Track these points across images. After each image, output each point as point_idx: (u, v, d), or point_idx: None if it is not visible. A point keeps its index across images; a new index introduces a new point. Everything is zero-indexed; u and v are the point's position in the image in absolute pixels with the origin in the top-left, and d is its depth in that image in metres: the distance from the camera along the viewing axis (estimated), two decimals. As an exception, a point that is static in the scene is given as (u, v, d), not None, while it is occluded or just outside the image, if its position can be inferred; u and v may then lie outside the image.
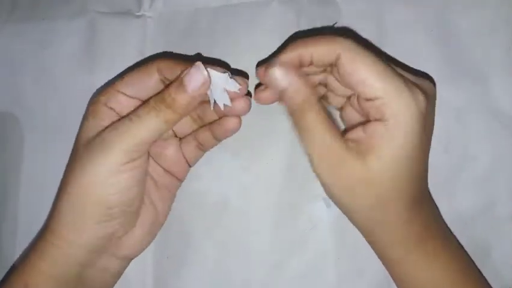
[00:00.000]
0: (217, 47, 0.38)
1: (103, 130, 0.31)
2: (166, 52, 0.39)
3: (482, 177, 0.35)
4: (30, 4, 0.40)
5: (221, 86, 0.30)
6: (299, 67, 0.30)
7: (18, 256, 0.37)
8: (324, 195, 0.34)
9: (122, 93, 0.32)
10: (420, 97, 0.27)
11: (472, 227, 0.35)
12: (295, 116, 0.29)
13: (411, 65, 0.36)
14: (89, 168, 0.30)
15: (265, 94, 0.32)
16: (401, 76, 0.28)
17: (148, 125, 0.29)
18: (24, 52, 0.40)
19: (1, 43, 0.40)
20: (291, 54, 0.29)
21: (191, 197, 0.37)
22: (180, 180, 0.35)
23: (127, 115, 0.30)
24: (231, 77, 0.31)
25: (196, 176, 0.37)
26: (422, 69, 0.36)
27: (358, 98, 0.29)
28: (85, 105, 0.38)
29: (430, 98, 0.28)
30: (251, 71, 0.37)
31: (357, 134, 0.29)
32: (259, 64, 0.36)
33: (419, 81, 0.29)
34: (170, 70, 0.31)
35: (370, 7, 0.37)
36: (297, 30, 0.38)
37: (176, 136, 0.35)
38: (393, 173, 0.27)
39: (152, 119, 0.29)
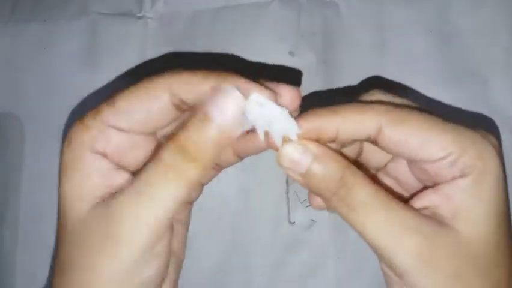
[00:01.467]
0: (218, 47, 0.38)
1: (98, 204, 0.21)
2: (170, 54, 0.38)
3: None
4: (31, 5, 0.41)
5: (274, 123, 0.22)
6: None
7: (19, 255, 0.37)
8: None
9: (115, 127, 0.23)
10: (492, 138, 0.23)
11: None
12: (336, 198, 0.22)
13: (410, 66, 0.36)
14: (95, 266, 0.21)
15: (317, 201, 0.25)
16: (455, 123, 0.23)
17: (166, 198, 0.21)
18: (25, 53, 0.40)
19: (2, 44, 0.40)
20: (310, 125, 0.22)
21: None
22: (192, 204, 0.29)
23: (133, 183, 0.21)
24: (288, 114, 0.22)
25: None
26: (421, 70, 0.36)
27: (411, 163, 0.24)
28: (86, 106, 0.38)
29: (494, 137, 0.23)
30: (251, 71, 0.37)
31: (428, 199, 0.23)
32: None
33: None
34: (188, 88, 0.22)
35: (370, 7, 0.37)
36: (297, 30, 0.38)
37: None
38: (494, 235, 0.22)
39: (171, 185, 0.20)
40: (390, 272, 0.23)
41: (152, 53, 0.39)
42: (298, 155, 0.22)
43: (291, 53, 0.37)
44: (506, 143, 0.35)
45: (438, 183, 0.23)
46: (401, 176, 0.26)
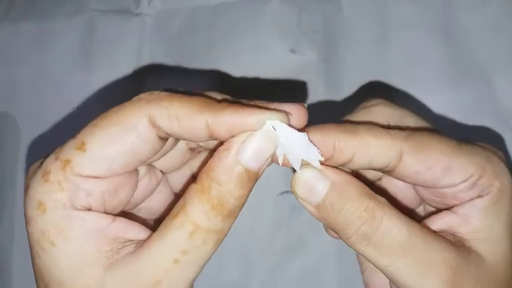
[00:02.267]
0: (216, 45, 0.38)
1: (114, 265, 0.19)
2: (155, 65, 0.37)
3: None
4: (27, 3, 0.40)
5: (295, 149, 0.20)
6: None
7: (15, 257, 0.37)
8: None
9: (92, 176, 0.19)
10: (499, 153, 0.22)
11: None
12: (360, 237, 0.20)
13: (413, 63, 0.35)
14: None
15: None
16: (467, 142, 0.22)
17: (200, 263, 0.19)
18: (21, 51, 0.40)
19: (-2, 41, 0.40)
20: (323, 144, 0.20)
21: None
22: None
23: (146, 249, 0.19)
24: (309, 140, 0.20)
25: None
26: (424, 67, 0.36)
27: (428, 188, 0.22)
28: (83, 104, 0.38)
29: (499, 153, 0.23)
30: (251, 69, 0.37)
31: (445, 222, 0.22)
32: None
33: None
34: (177, 123, 0.19)
35: (372, 5, 0.37)
36: (298, 27, 0.37)
37: (162, 173, 0.24)
38: (509, 252, 0.21)
39: (201, 250, 0.19)
40: None
41: (149, 51, 0.38)
42: (314, 182, 0.19)
43: (292, 51, 0.37)
44: (509, 142, 0.35)
45: (453, 205, 0.22)
46: (398, 192, 0.24)
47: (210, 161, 0.18)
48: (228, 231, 0.19)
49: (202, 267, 0.19)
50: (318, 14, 0.37)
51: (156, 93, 0.19)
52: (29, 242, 0.19)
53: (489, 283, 0.20)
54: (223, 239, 0.19)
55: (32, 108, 0.39)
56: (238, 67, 0.37)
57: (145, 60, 0.38)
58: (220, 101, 0.19)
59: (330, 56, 0.37)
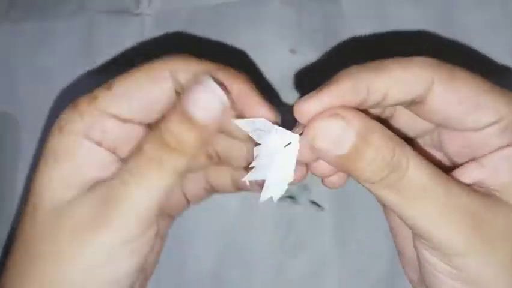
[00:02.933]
0: (217, 45, 0.38)
1: (87, 193, 0.21)
2: (167, 49, 0.38)
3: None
4: (27, 3, 0.40)
5: (273, 143, 0.20)
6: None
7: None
8: (326, 195, 0.33)
9: (112, 115, 0.21)
10: None
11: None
12: (385, 185, 0.19)
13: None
14: (73, 251, 0.20)
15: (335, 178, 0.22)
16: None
17: (149, 188, 0.20)
18: (21, 51, 0.39)
19: (-2, 42, 0.40)
20: (342, 88, 0.19)
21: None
22: (174, 218, 0.28)
23: (118, 174, 0.21)
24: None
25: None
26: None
27: (451, 133, 0.21)
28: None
29: None
30: (251, 69, 0.36)
31: (473, 174, 0.21)
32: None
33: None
34: (189, 72, 0.21)
35: (372, 5, 0.37)
36: (298, 27, 0.37)
37: None
38: None
39: (154, 175, 0.20)
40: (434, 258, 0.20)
41: (149, 51, 0.38)
42: (340, 132, 0.18)
43: (292, 51, 0.37)
44: None
45: (480, 156, 0.20)
46: (430, 149, 0.23)
47: (169, 111, 0.20)
48: (175, 175, 0.20)
49: (152, 198, 0.20)
50: (318, 14, 0.37)
51: (180, 55, 0.22)
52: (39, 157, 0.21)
53: None
54: (173, 184, 0.20)
55: (32, 108, 0.39)
56: (238, 67, 0.37)
57: (145, 61, 0.38)
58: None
59: (330, 56, 0.37)
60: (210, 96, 0.20)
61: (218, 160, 0.25)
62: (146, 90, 0.21)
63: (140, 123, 0.22)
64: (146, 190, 0.20)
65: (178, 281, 0.36)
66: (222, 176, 0.25)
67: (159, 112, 0.21)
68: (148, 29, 0.39)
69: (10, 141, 0.39)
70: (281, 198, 0.22)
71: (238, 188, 0.25)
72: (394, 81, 0.19)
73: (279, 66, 0.36)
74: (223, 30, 0.38)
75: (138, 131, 0.22)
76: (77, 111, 0.21)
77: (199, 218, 0.36)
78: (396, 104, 0.20)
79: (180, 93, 0.21)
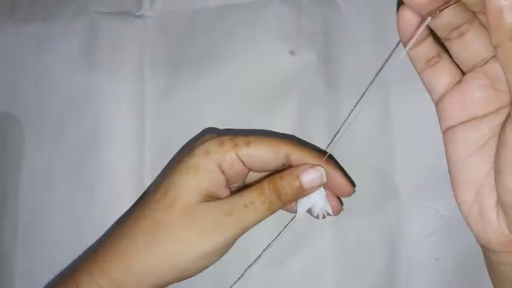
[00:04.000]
0: (217, 46, 0.38)
1: (206, 201, 0.29)
2: (157, 67, 0.38)
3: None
4: (30, 4, 0.40)
5: (316, 200, 0.31)
6: None
7: (18, 256, 0.37)
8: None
9: (241, 160, 0.30)
10: None
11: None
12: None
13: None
14: (183, 242, 0.28)
15: None
16: None
17: (258, 215, 0.29)
18: (24, 52, 0.40)
19: (1, 43, 0.40)
20: None
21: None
22: None
23: (238, 196, 0.29)
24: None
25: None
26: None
27: None
28: (85, 106, 0.38)
29: None
30: (250, 71, 0.37)
31: None
32: None
33: None
34: (300, 159, 0.30)
35: (370, 7, 0.37)
36: (297, 30, 0.37)
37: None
38: None
39: (264, 208, 0.29)
40: None
41: (151, 52, 0.39)
42: None
43: (291, 52, 0.37)
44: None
45: None
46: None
47: (285, 172, 0.30)
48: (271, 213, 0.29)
49: (248, 227, 0.29)
50: (317, 16, 0.37)
51: (296, 143, 0.31)
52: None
53: None
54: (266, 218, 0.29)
55: (34, 108, 0.39)
56: (238, 68, 0.37)
57: (147, 62, 0.38)
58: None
59: (329, 58, 0.37)
60: (317, 174, 0.29)
61: None
62: (268, 157, 0.30)
63: (252, 171, 0.31)
64: (255, 216, 0.29)
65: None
66: None
67: (267, 170, 0.31)
68: (149, 31, 0.39)
69: (13, 141, 0.39)
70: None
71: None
72: None
73: (279, 67, 0.36)
74: (224, 32, 0.38)
75: (244, 172, 0.30)
76: (223, 148, 0.29)
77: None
78: None
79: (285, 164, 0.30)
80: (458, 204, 0.27)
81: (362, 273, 0.35)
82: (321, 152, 0.31)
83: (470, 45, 0.25)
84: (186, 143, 0.37)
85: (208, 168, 0.29)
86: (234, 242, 0.29)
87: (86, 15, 0.40)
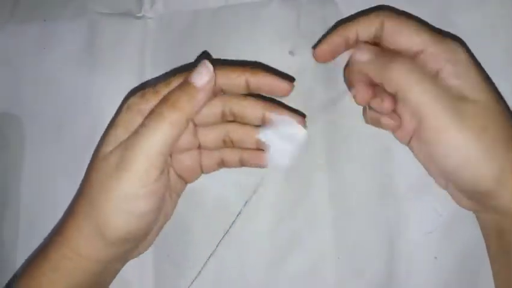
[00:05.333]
0: (217, 47, 0.38)
1: (119, 146, 0.29)
2: (157, 67, 0.38)
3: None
4: (31, 5, 0.41)
5: (282, 134, 0.31)
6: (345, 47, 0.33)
7: (19, 256, 0.37)
8: (326, 193, 0.34)
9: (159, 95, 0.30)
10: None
11: (475, 222, 0.34)
12: (400, 67, 0.29)
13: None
14: (108, 192, 0.29)
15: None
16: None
17: (157, 135, 0.28)
18: (25, 52, 0.40)
19: (2, 43, 0.40)
20: (338, 37, 0.32)
21: (191, 196, 0.37)
22: (188, 183, 0.35)
23: (138, 128, 0.29)
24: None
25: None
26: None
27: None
28: (86, 106, 0.38)
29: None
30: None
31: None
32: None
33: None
34: (225, 78, 0.30)
35: (369, 6, 0.37)
36: (297, 30, 0.37)
37: (199, 147, 0.33)
38: (498, 104, 0.30)
39: (156, 126, 0.28)
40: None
41: (151, 53, 0.39)
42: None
43: (291, 53, 0.37)
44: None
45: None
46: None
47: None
48: (177, 125, 0.29)
49: (160, 144, 0.28)
50: (316, 16, 0.38)
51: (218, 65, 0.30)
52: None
53: (489, 119, 0.29)
54: (174, 128, 0.29)
55: (35, 108, 0.39)
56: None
57: (147, 62, 0.38)
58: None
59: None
60: (204, 70, 0.29)
61: (231, 144, 0.33)
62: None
63: None
64: (151, 137, 0.28)
65: (178, 279, 0.36)
66: (233, 155, 0.33)
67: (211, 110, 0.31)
68: (150, 32, 0.39)
69: (13, 141, 0.39)
70: None
71: (244, 164, 0.33)
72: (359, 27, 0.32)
73: (278, 67, 0.36)
74: (224, 32, 0.38)
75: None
76: (144, 98, 0.30)
77: (199, 216, 0.37)
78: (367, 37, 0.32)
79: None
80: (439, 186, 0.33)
81: (362, 273, 0.35)
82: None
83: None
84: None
85: (128, 121, 0.29)
86: (154, 172, 0.29)
87: (86, 16, 0.40)
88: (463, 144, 0.28)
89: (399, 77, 0.29)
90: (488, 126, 0.28)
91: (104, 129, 0.34)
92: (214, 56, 0.38)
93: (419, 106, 0.29)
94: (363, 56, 0.31)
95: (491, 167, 0.28)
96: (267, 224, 0.36)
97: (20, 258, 0.37)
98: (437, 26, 0.37)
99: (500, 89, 0.36)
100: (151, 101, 0.29)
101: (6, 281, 0.35)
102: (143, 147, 0.28)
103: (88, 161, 0.32)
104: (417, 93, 0.29)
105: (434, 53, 0.30)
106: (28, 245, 0.37)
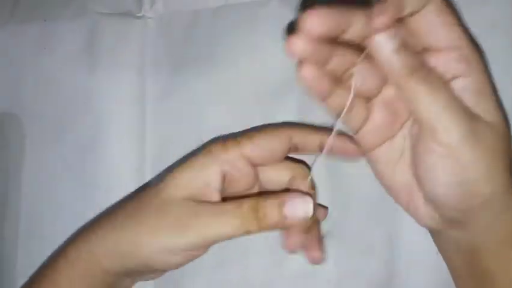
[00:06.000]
0: (217, 47, 0.38)
1: (192, 199, 0.29)
2: (157, 67, 0.38)
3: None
4: (31, 5, 0.41)
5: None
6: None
7: (19, 255, 0.37)
8: (326, 194, 0.34)
9: (246, 157, 0.29)
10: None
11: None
12: (412, 77, 0.25)
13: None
14: (149, 231, 0.28)
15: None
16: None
17: (226, 228, 0.27)
18: (25, 52, 0.40)
19: (2, 43, 0.40)
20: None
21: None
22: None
23: (219, 203, 0.29)
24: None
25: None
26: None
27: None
28: (86, 106, 0.38)
29: None
30: (250, 71, 0.37)
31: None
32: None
33: None
34: (303, 138, 0.30)
35: (370, 7, 0.37)
36: (297, 30, 0.37)
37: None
38: (501, 123, 0.27)
39: (236, 224, 0.27)
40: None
41: (151, 53, 0.39)
42: (386, 40, 0.24)
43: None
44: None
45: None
46: None
47: (270, 196, 0.28)
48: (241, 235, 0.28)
49: (217, 237, 0.28)
50: (317, 16, 0.38)
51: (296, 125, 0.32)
52: None
53: (498, 140, 0.27)
54: (237, 235, 0.28)
55: (35, 108, 0.39)
56: (238, 69, 0.37)
57: (147, 62, 0.38)
58: None
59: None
60: (303, 206, 0.28)
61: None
62: (271, 144, 0.30)
63: (258, 165, 0.30)
64: (224, 228, 0.27)
65: (178, 278, 0.36)
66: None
67: (275, 161, 0.31)
68: (150, 32, 0.39)
69: (13, 141, 0.39)
70: None
71: None
72: None
73: (279, 67, 0.36)
74: (224, 32, 0.38)
75: (250, 172, 0.30)
76: (226, 147, 0.29)
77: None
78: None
79: (292, 148, 0.31)
80: (399, 204, 0.30)
81: (362, 273, 0.35)
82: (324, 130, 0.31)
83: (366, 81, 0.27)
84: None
85: (205, 165, 0.29)
86: (202, 248, 0.29)
87: (87, 16, 0.40)
88: (471, 162, 0.26)
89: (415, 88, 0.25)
90: (496, 149, 0.26)
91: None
92: (214, 55, 0.38)
93: (429, 118, 0.25)
94: (389, 44, 0.24)
95: (487, 186, 0.26)
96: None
97: (20, 258, 0.37)
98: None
99: (501, 89, 0.36)
100: (230, 151, 0.29)
101: (6, 280, 0.35)
102: (208, 231, 0.28)
103: (88, 161, 0.32)
104: (427, 104, 0.25)
105: (460, 58, 0.26)
106: (28, 244, 0.37)
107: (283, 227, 0.28)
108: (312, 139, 0.30)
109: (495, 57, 0.36)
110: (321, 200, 0.36)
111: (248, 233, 0.27)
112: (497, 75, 0.36)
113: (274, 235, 0.35)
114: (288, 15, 0.38)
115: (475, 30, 0.36)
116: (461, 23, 0.27)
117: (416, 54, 0.25)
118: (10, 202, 0.38)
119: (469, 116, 0.26)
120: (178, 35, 0.39)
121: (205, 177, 0.29)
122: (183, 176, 0.29)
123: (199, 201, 0.29)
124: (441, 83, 0.25)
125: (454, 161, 0.26)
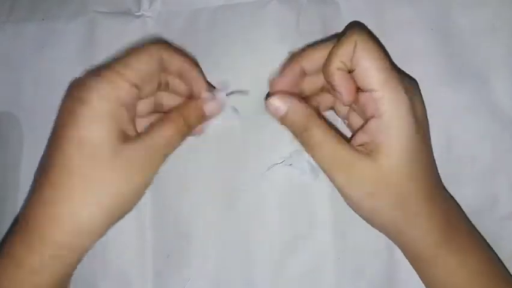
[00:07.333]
0: (216, 46, 0.38)
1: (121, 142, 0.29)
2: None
3: (482, 178, 0.35)
4: (29, 4, 0.40)
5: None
6: (303, 76, 0.33)
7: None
8: (326, 195, 0.34)
9: (126, 79, 0.30)
10: (409, 93, 0.29)
11: (474, 221, 0.34)
12: (301, 137, 0.30)
13: (410, 64, 0.36)
14: (114, 183, 0.29)
15: None
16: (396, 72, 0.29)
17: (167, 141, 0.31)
18: (23, 52, 0.40)
19: (1, 43, 0.40)
20: (294, 66, 0.32)
21: (191, 197, 0.37)
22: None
23: (145, 133, 0.30)
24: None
25: (196, 175, 0.37)
26: (421, 69, 0.36)
27: (358, 95, 0.30)
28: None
29: (418, 93, 0.31)
30: (250, 71, 0.37)
31: (360, 137, 0.30)
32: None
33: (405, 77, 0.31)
34: (171, 60, 0.32)
35: (370, 6, 0.37)
36: (296, 29, 0.37)
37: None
38: (405, 166, 0.28)
39: (172, 132, 0.31)
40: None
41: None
42: (279, 104, 0.31)
43: (290, 53, 0.37)
44: (506, 143, 0.35)
45: (365, 120, 0.30)
46: (357, 110, 0.32)
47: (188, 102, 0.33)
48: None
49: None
50: (316, 16, 0.37)
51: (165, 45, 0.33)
52: None
53: (380, 184, 0.29)
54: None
55: (34, 108, 0.39)
56: (238, 68, 0.37)
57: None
58: None
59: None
60: (218, 104, 0.33)
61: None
62: (144, 64, 0.31)
63: (135, 85, 0.30)
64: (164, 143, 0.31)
65: (179, 278, 0.36)
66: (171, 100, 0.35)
67: (153, 84, 0.32)
68: (149, 30, 0.39)
69: (13, 141, 0.39)
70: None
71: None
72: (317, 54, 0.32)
73: (278, 67, 0.36)
74: (223, 32, 0.38)
75: (133, 92, 0.30)
76: (100, 76, 0.30)
77: (200, 216, 0.37)
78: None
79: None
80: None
81: (362, 273, 0.35)
82: None
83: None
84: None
85: (112, 111, 0.29)
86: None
87: (85, 15, 0.40)
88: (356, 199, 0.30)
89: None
90: (375, 191, 0.29)
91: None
92: (213, 55, 0.38)
93: (320, 166, 0.31)
94: (279, 110, 0.31)
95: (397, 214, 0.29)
96: (267, 225, 0.36)
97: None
98: (437, 26, 0.37)
99: (500, 89, 0.36)
100: (107, 76, 0.30)
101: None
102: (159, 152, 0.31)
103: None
104: (315, 156, 0.30)
105: (378, 99, 0.28)
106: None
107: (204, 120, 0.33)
108: (177, 58, 0.32)
109: (493, 57, 0.36)
110: (322, 200, 0.36)
111: (182, 135, 0.31)
112: (494, 75, 0.36)
113: (276, 237, 0.36)
114: (288, 15, 0.37)
115: (473, 31, 0.36)
116: (385, 58, 0.29)
117: (305, 114, 0.30)
118: (8, 202, 0.38)
119: (347, 163, 0.29)
120: (177, 34, 0.39)
121: (118, 119, 0.29)
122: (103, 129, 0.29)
123: (125, 141, 0.29)
124: (326, 135, 0.29)
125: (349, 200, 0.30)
